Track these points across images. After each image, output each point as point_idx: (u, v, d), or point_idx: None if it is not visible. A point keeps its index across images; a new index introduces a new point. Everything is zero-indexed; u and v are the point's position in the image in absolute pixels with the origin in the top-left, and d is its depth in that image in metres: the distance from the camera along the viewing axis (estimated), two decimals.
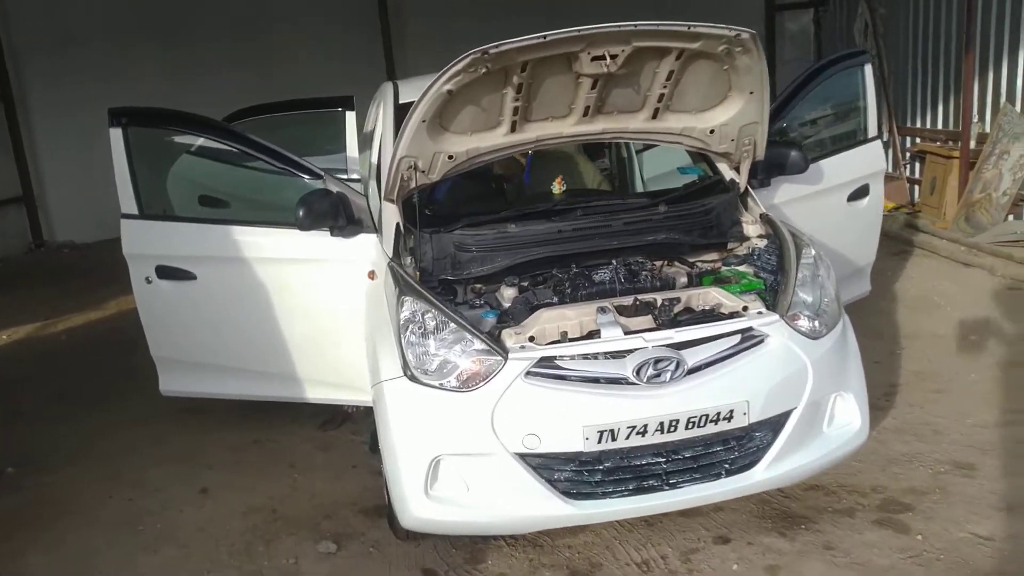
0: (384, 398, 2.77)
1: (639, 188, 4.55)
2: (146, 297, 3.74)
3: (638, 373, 2.61)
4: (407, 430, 2.72)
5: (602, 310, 2.75)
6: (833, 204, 4.24)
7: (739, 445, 2.76)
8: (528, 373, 2.61)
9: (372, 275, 3.38)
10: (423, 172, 3.06)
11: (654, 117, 3.14)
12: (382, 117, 3.97)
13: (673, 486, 2.71)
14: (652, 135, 3.26)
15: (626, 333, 2.68)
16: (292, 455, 3.99)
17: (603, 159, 4.78)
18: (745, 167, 3.40)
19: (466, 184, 3.84)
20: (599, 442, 2.61)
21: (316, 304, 3.59)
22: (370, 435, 3.56)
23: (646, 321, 2.77)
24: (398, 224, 3.17)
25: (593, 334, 2.72)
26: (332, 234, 3.42)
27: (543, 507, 2.65)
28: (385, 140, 3.54)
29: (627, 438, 2.63)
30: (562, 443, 2.62)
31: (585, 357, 2.66)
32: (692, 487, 2.71)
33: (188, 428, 4.30)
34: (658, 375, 2.61)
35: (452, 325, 2.71)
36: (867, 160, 4.41)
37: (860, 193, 4.37)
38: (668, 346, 2.66)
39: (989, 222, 6.92)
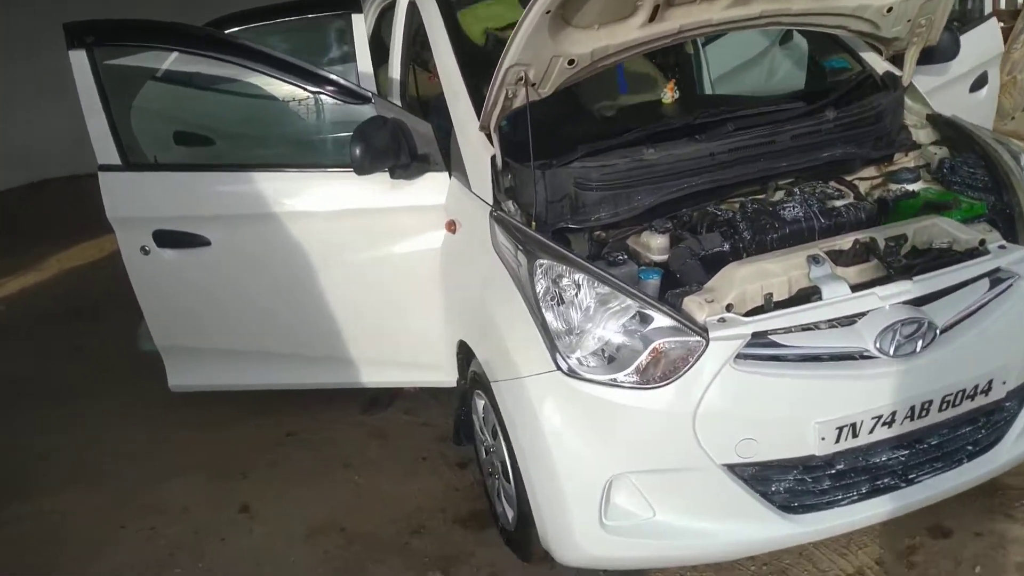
0: (530, 400, 2.03)
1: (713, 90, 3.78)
2: (143, 272, 2.88)
3: (879, 344, 1.93)
4: (571, 444, 1.99)
5: (814, 259, 2.03)
6: (956, 96, 3.57)
7: (988, 422, 2.14)
8: (738, 356, 1.91)
9: (452, 226, 2.58)
10: (533, 85, 2.24)
11: None
12: (407, 20, 3.12)
13: (911, 481, 2.08)
14: (816, 17, 2.49)
15: (852, 289, 1.99)
16: (341, 450, 3.23)
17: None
18: (913, 55, 2.68)
19: (541, 103, 3.03)
20: (837, 441, 1.95)
21: (373, 267, 2.78)
22: (455, 423, 2.84)
23: (871, 270, 2.07)
24: (493, 158, 2.37)
25: (805, 294, 2.02)
26: (393, 175, 2.59)
27: (756, 528, 1.99)
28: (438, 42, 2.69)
29: (871, 432, 1.97)
30: (787, 447, 1.95)
31: (805, 328, 1.96)
32: (932, 480, 2.09)
33: (201, 426, 3.46)
34: (906, 343, 1.94)
35: (620, 296, 1.97)
36: (987, 42, 3.74)
37: (980, 82, 3.72)
38: (908, 303, 1.98)
39: (1011, 107, 6.38)
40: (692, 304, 1.97)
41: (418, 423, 3.36)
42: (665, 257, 2.25)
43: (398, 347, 2.89)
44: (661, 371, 1.91)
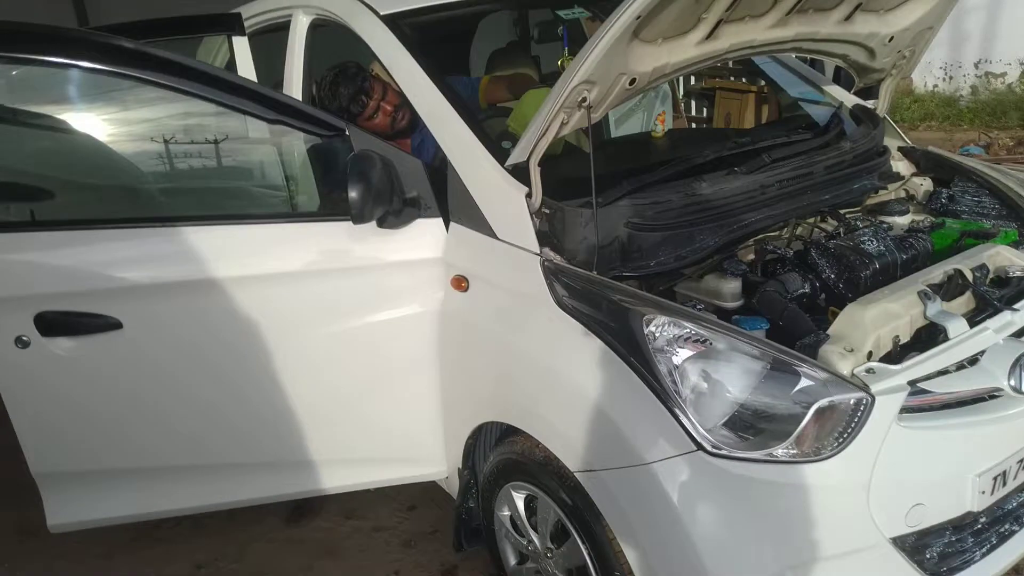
0: (661, 490, 1.62)
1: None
2: (19, 373, 2.07)
3: (1012, 381, 1.78)
4: (723, 539, 1.61)
5: (926, 295, 1.85)
6: None
7: None
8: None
9: (462, 283, 2.11)
10: (590, 108, 1.88)
11: (847, 19, 2.26)
12: (307, 46, 2.68)
13: None
14: (832, 44, 2.37)
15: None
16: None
17: None
18: (890, 86, 2.67)
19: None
20: (992, 493, 1.75)
21: (347, 340, 2.20)
22: (455, 524, 2.32)
23: (966, 301, 1.93)
24: (528, 198, 1.96)
25: (928, 334, 1.83)
26: (383, 223, 2.08)
27: None
28: None
29: (1015, 476, 1.80)
30: (950, 507, 1.72)
31: (940, 372, 1.76)
32: None
33: (82, 558, 2.60)
34: None
35: (763, 353, 1.64)
36: None
37: None
38: (1016, 334, 1.86)
39: None
40: (832, 355, 1.69)
41: (368, 528, 2.76)
42: (738, 304, 1.97)
43: (374, 439, 2.32)
44: (823, 438, 1.61)
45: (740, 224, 2.07)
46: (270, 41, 3.00)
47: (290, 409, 2.25)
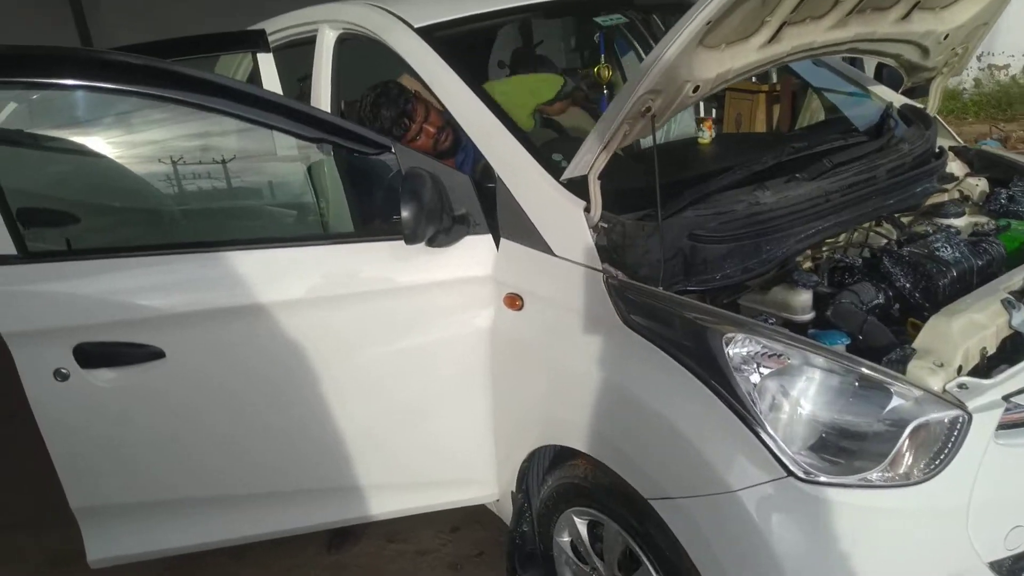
0: (749, 519, 1.53)
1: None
2: (58, 406, 1.99)
3: None
4: (816, 567, 1.52)
5: (1010, 304, 1.77)
6: None
7: None
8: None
9: (516, 301, 2.03)
10: (654, 116, 1.81)
11: (904, 17, 2.18)
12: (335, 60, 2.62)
13: None
14: (888, 43, 2.29)
15: None
16: None
17: None
18: (940, 85, 2.58)
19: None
20: None
21: (395, 362, 2.12)
22: (508, 549, 2.23)
23: None
24: (587, 212, 1.88)
25: (1014, 344, 1.74)
26: (433, 242, 1.99)
27: None
28: None
29: None
30: None
31: None
32: None
33: None
34: None
35: (852, 371, 1.56)
36: None
37: None
38: None
39: None
40: (921, 371, 1.60)
41: (412, 552, 2.68)
42: (809, 317, 1.89)
43: (425, 463, 2.24)
44: (919, 460, 1.52)
45: (808, 233, 1.98)
46: (287, 56, 2.93)
47: (339, 434, 2.17)
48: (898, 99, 2.70)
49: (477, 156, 2.24)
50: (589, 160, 1.80)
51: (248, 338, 2.03)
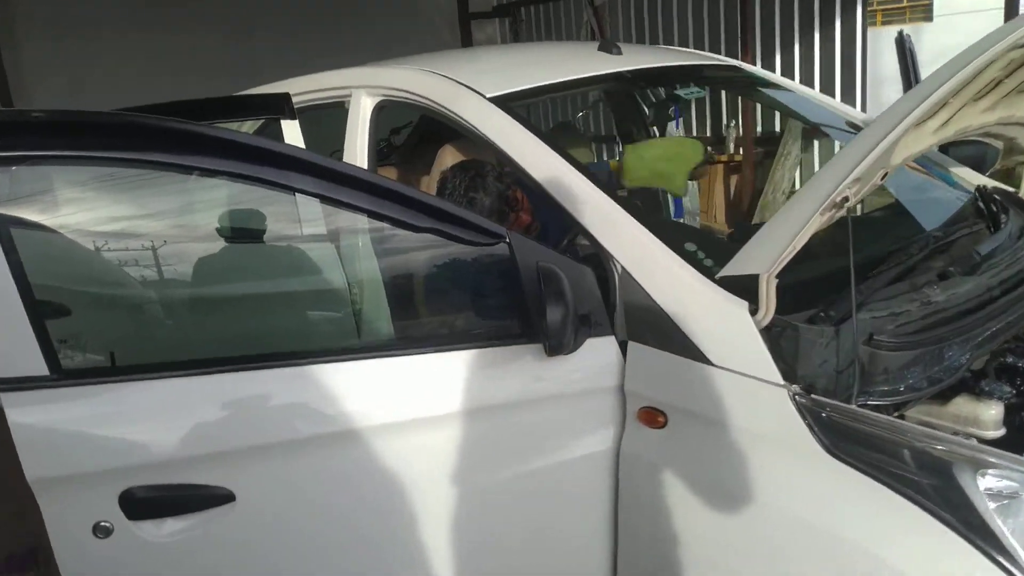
0: None
1: None
2: (96, 571, 1.52)
3: None
4: None
5: None
6: None
7: None
8: None
9: (656, 418, 1.72)
10: (849, 209, 1.56)
11: None
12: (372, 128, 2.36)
13: None
14: (1017, 127, 2.14)
15: None
16: None
17: None
18: None
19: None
20: None
21: (499, 492, 1.77)
22: None
23: None
24: (756, 315, 1.60)
25: None
26: (557, 349, 1.66)
27: None
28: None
29: None
30: None
31: None
32: None
33: None
34: None
35: None
36: None
37: None
38: None
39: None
40: None
41: None
42: (1000, 433, 1.65)
43: None
44: None
45: (984, 335, 1.76)
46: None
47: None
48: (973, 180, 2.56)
49: (556, 243, 1.97)
50: (773, 256, 1.53)
51: (339, 472, 1.64)
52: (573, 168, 1.91)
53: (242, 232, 1.77)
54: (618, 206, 1.83)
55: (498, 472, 1.78)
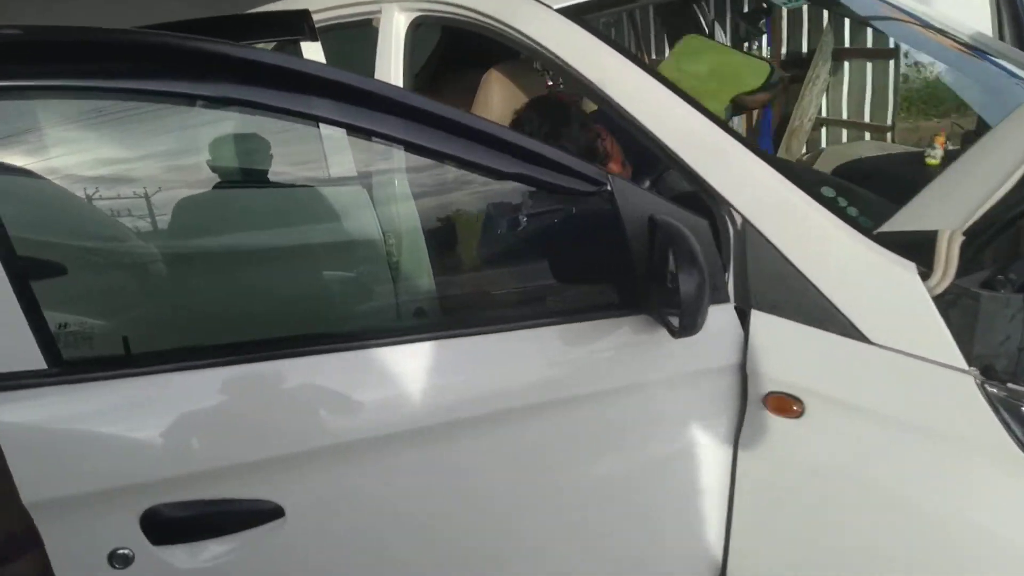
0: None
1: None
2: None
3: None
4: None
5: None
6: None
7: None
8: None
9: (792, 407, 1.41)
10: None
11: None
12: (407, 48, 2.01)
13: None
14: None
15: None
16: None
17: None
18: None
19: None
20: None
21: (597, 486, 1.48)
22: None
23: None
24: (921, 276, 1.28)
25: None
26: (690, 329, 1.33)
27: None
28: None
29: None
30: None
31: None
32: None
33: None
34: None
35: None
36: None
37: None
38: None
39: (796, 150, 6.56)
40: None
41: None
42: None
43: None
44: None
45: None
46: None
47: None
48: None
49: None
50: (971, 208, 1.20)
51: (416, 477, 1.33)
52: (673, 94, 1.56)
53: (288, 195, 1.42)
54: (737, 142, 1.49)
55: (599, 465, 1.47)
